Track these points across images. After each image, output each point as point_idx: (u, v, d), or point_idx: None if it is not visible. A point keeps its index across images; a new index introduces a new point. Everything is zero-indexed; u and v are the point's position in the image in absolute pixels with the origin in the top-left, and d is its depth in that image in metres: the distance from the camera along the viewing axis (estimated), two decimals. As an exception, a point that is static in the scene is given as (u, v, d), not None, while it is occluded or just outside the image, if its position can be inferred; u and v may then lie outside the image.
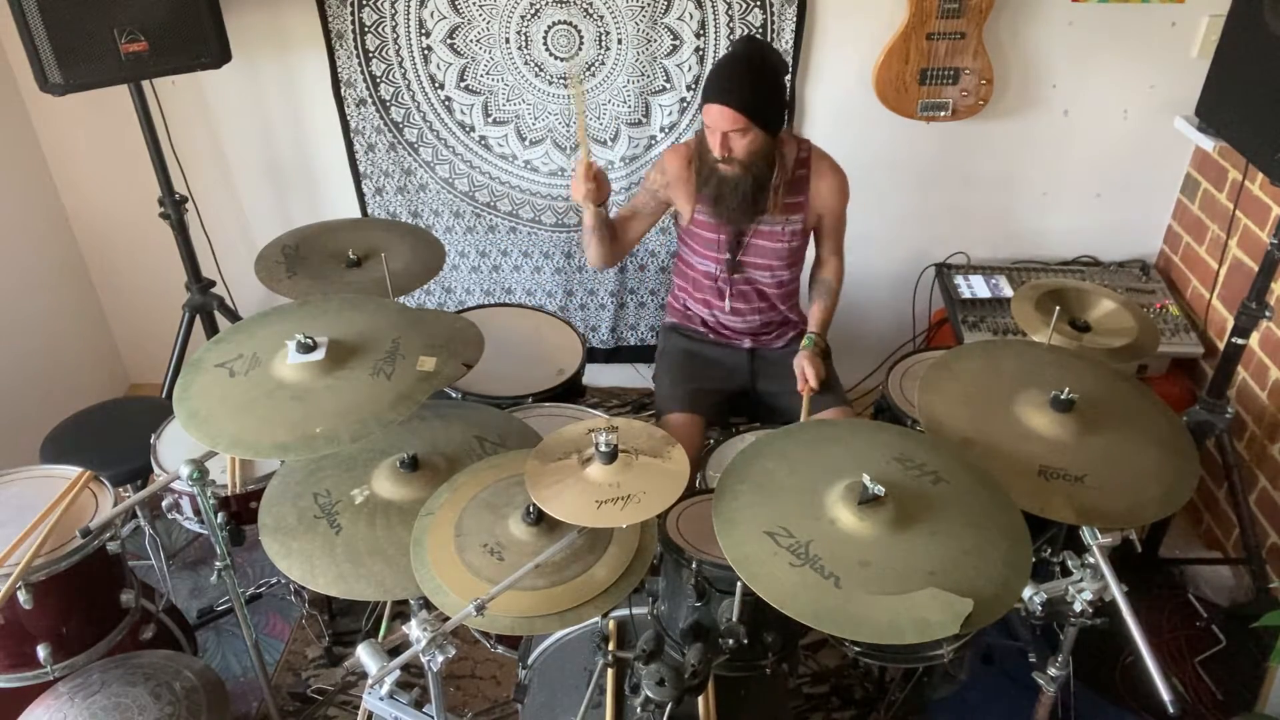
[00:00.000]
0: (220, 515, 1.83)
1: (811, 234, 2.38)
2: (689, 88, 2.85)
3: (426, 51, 2.83)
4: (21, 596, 1.74)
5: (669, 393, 2.39)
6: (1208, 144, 2.66)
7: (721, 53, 2.78)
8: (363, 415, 1.66)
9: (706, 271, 2.38)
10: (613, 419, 1.84)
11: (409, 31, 2.80)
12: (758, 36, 2.16)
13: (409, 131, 2.98)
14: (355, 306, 1.93)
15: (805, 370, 2.25)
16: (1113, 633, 1.60)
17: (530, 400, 2.30)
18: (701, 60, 2.80)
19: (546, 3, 2.73)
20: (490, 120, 2.94)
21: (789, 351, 2.45)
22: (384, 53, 2.84)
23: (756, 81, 2.09)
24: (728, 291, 2.38)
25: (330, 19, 2.79)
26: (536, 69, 2.84)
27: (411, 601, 1.69)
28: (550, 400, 2.32)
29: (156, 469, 2.14)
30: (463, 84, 2.88)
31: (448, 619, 1.41)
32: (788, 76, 2.78)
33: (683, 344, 2.49)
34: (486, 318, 2.55)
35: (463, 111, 2.93)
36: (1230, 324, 2.31)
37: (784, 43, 2.76)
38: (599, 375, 3.39)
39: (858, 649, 1.87)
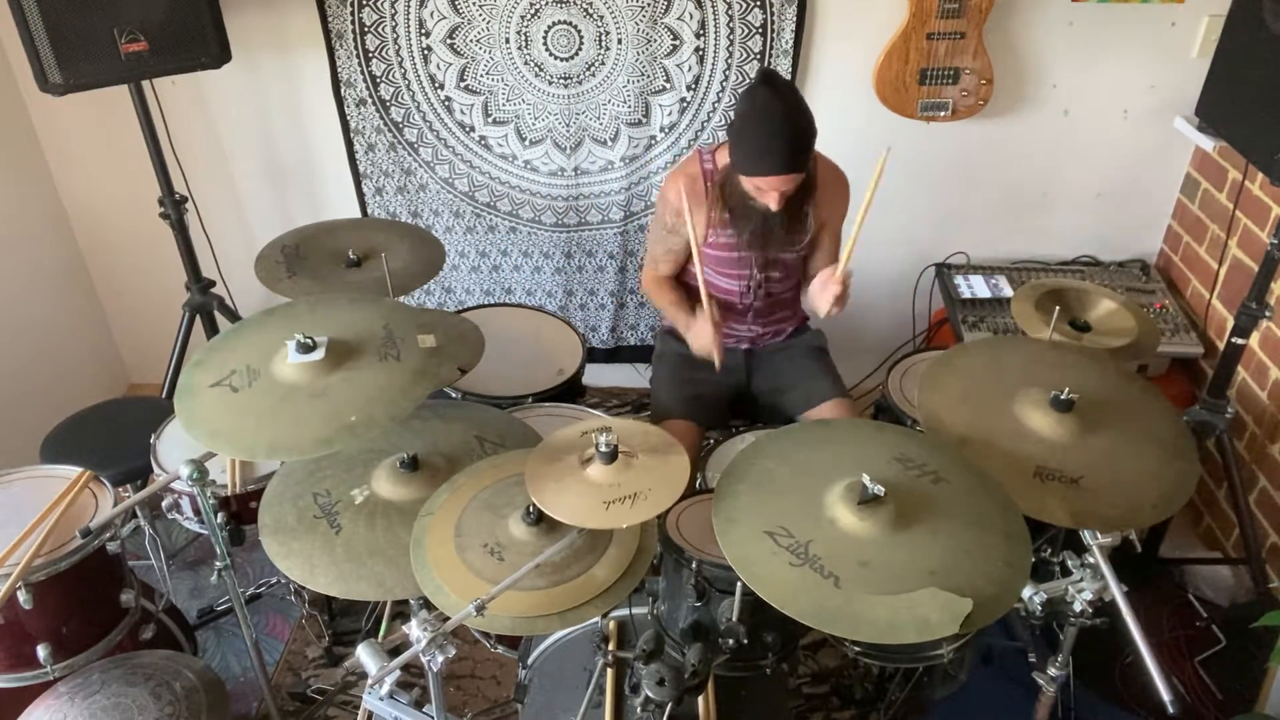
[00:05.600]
0: (220, 515, 1.83)
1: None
2: (689, 88, 2.85)
3: (426, 51, 2.83)
4: (21, 596, 1.74)
5: (666, 399, 2.38)
6: (1208, 144, 2.66)
7: (721, 54, 2.78)
8: (391, 396, 1.67)
9: (728, 289, 2.35)
10: (611, 419, 1.84)
11: (409, 31, 2.80)
12: (771, 71, 2.07)
13: (409, 131, 2.98)
14: (333, 305, 1.93)
15: (829, 289, 2.08)
16: (1113, 633, 1.60)
17: (530, 400, 2.30)
18: (701, 60, 2.80)
19: (546, 3, 2.73)
20: (490, 120, 2.94)
21: (787, 346, 2.45)
22: (384, 53, 2.84)
23: (807, 130, 2.02)
24: (752, 306, 2.36)
25: (330, 19, 2.79)
26: (536, 69, 2.84)
27: (411, 601, 1.69)
28: (550, 400, 2.32)
29: (156, 469, 2.14)
30: (463, 84, 2.88)
31: (448, 619, 1.41)
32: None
33: (679, 348, 2.47)
34: (486, 318, 2.55)
35: (463, 111, 2.93)
36: (1230, 324, 2.31)
37: (784, 43, 2.76)
38: (599, 375, 3.39)
39: (858, 649, 1.87)
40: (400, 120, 2.96)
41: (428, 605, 1.54)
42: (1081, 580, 1.56)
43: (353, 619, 2.55)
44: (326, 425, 1.63)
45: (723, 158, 2.22)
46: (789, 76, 2.80)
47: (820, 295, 2.11)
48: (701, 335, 2.19)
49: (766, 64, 2.79)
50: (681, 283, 2.40)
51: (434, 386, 1.75)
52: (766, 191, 2.07)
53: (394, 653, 1.40)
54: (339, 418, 1.63)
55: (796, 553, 1.47)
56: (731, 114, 2.11)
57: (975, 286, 2.95)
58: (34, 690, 1.85)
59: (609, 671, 1.68)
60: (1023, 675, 1.95)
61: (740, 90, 2.09)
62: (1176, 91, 2.79)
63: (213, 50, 2.51)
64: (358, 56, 2.85)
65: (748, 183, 2.09)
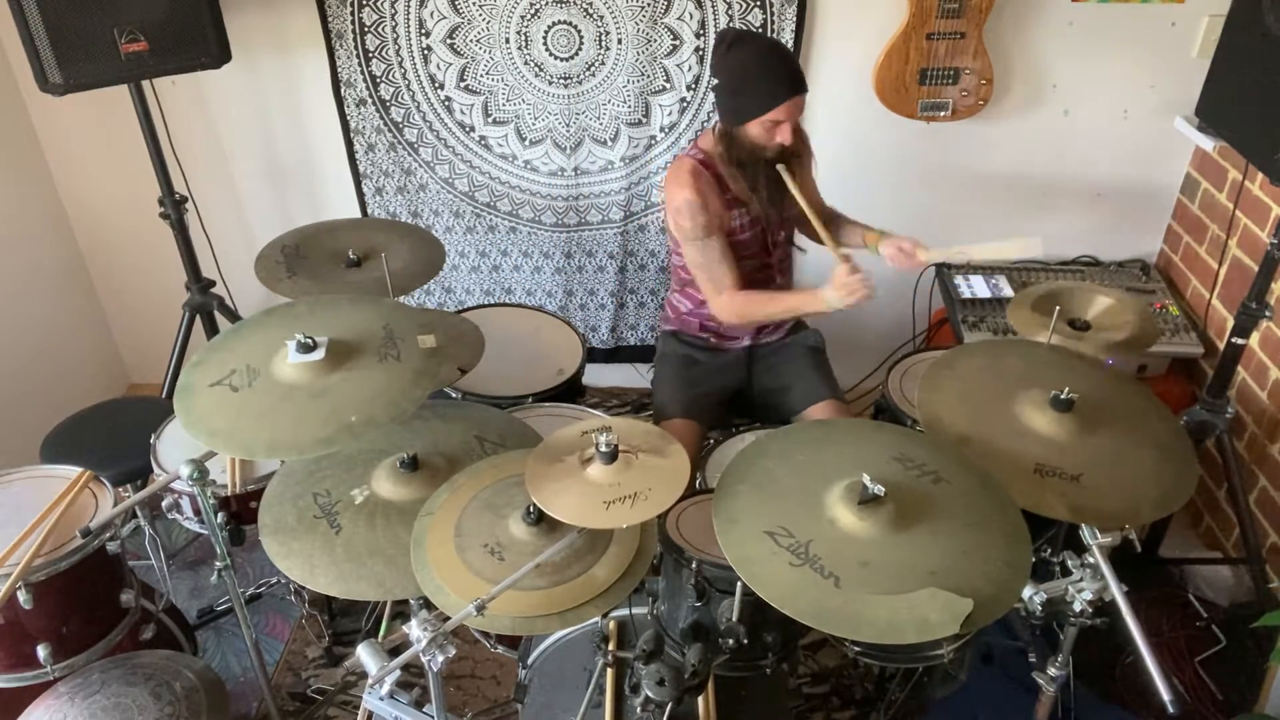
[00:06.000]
0: (220, 515, 1.83)
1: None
2: (689, 88, 2.85)
3: (426, 51, 2.83)
4: (21, 596, 1.74)
5: (667, 398, 2.38)
6: (1208, 144, 2.66)
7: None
8: (391, 396, 1.67)
9: (749, 269, 2.32)
10: (610, 418, 1.84)
11: (409, 31, 2.80)
12: (737, 28, 2.12)
13: (409, 131, 2.98)
14: (333, 306, 1.93)
15: (901, 244, 2.25)
16: (1113, 633, 1.60)
17: (530, 400, 2.30)
18: (701, 60, 2.80)
19: (546, 3, 2.73)
20: (490, 120, 2.94)
21: (785, 344, 2.45)
22: (384, 53, 2.84)
23: (795, 56, 2.11)
24: (777, 278, 2.37)
25: (330, 19, 2.79)
26: (536, 69, 2.84)
27: (411, 601, 1.69)
28: (550, 400, 2.32)
29: (156, 469, 2.14)
30: (463, 84, 2.88)
31: (448, 619, 1.41)
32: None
33: (681, 349, 2.48)
34: (486, 318, 2.55)
35: (463, 111, 2.93)
36: (1230, 324, 2.31)
37: (784, 42, 2.75)
38: (599, 375, 3.39)
39: (858, 649, 1.87)
40: (400, 120, 2.96)
41: (428, 605, 1.54)
42: (1081, 580, 1.56)
43: (353, 619, 2.55)
44: (326, 425, 1.63)
45: (707, 143, 2.24)
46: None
47: (899, 258, 2.26)
48: (843, 284, 2.07)
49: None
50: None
51: (434, 387, 1.75)
52: (782, 125, 2.10)
53: (394, 653, 1.40)
54: (339, 418, 1.63)
55: (797, 553, 1.47)
56: (716, 78, 2.14)
57: (975, 286, 2.95)
58: (34, 690, 1.85)
59: (609, 671, 1.68)
60: (1023, 675, 1.95)
61: (717, 53, 2.12)
62: (1176, 91, 2.79)
63: (213, 50, 2.51)
64: (358, 56, 2.85)
65: (761, 125, 2.10)
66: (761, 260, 2.34)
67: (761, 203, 2.24)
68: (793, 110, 2.10)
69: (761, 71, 2.09)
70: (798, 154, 2.23)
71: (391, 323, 1.85)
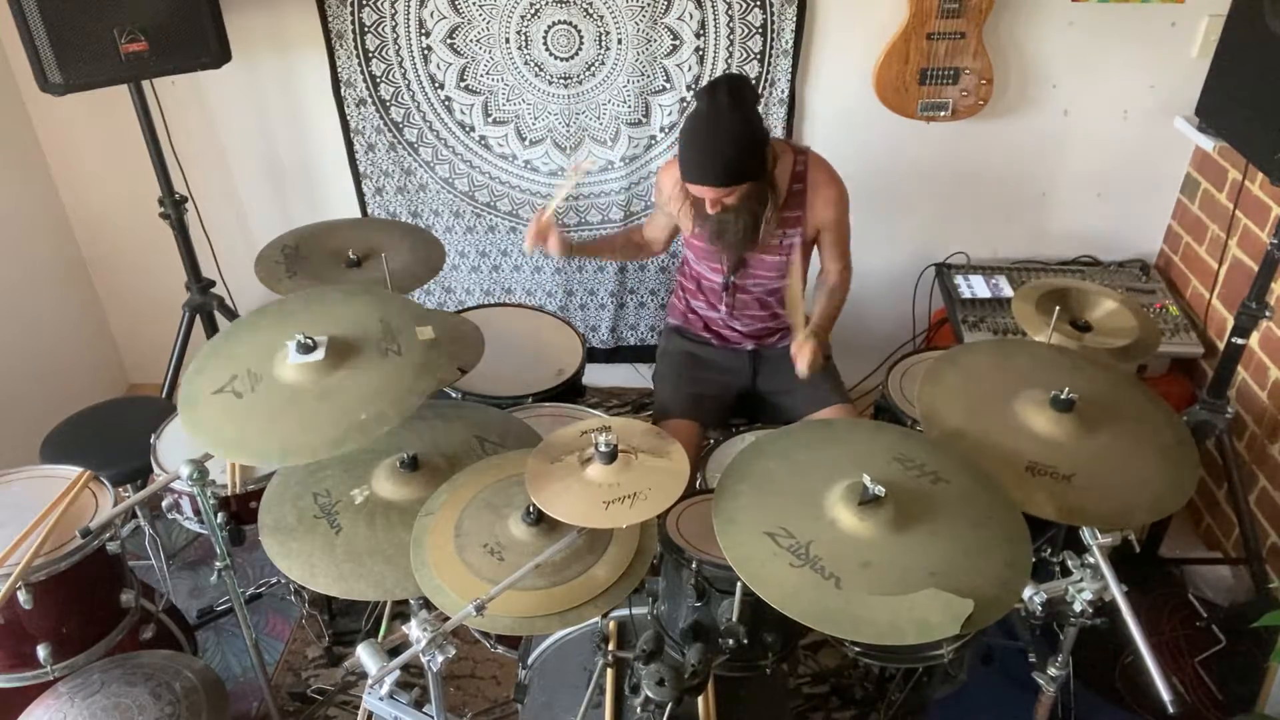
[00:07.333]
0: (220, 515, 1.83)
1: (813, 245, 2.36)
2: (689, 88, 2.84)
3: (426, 51, 2.83)
4: (21, 596, 1.74)
5: (669, 397, 2.38)
6: (1208, 144, 2.66)
7: (721, 54, 2.77)
8: (398, 392, 1.67)
9: (711, 279, 2.38)
10: (610, 418, 1.84)
11: (409, 31, 2.80)
12: (722, 80, 2.03)
13: (409, 131, 2.97)
14: (326, 301, 1.93)
15: (799, 355, 2.16)
16: (1113, 633, 1.60)
17: (530, 400, 2.30)
18: (701, 60, 2.80)
19: (546, 3, 2.73)
20: (490, 120, 2.94)
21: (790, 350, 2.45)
22: (384, 53, 2.84)
23: (731, 150, 2.03)
24: (729, 302, 2.38)
25: (330, 19, 2.79)
26: (536, 69, 2.84)
27: (411, 601, 1.69)
28: (550, 400, 2.32)
29: (156, 469, 2.14)
30: (463, 84, 2.88)
31: (448, 619, 1.41)
32: (768, 104, 2.78)
33: (684, 346, 2.49)
34: (486, 318, 2.55)
35: (463, 111, 2.93)
36: (1230, 324, 2.31)
37: (784, 43, 2.76)
38: (599, 375, 3.39)
39: (858, 649, 1.87)
40: (400, 120, 2.96)
41: (428, 605, 1.54)
42: (1081, 580, 1.56)
43: (353, 619, 2.55)
44: (337, 425, 1.62)
45: None
46: (789, 76, 2.81)
47: (796, 361, 2.17)
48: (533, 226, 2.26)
49: (766, 64, 2.79)
50: (636, 243, 2.57)
51: (437, 381, 1.75)
52: (702, 196, 2.12)
53: (394, 653, 1.40)
54: (349, 416, 1.63)
55: (797, 553, 1.47)
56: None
57: (975, 286, 2.95)
58: (34, 690, 1.85)
59: (609, 671, 1.68)
60: (1023, 675, 1.95)
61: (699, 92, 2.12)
62: (1176, 91, 2.79)
63: (213, 50, 2.51)
64: (358, 56, 2.84)
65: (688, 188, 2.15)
66: (709, 266, 2.37)
67: (705, 239, 2.27)
68: (702, 192, 2.09)
69: (688, 143, 2.08)
70: (751, 225, 2.19)
71: (387, 316, 1.84)
